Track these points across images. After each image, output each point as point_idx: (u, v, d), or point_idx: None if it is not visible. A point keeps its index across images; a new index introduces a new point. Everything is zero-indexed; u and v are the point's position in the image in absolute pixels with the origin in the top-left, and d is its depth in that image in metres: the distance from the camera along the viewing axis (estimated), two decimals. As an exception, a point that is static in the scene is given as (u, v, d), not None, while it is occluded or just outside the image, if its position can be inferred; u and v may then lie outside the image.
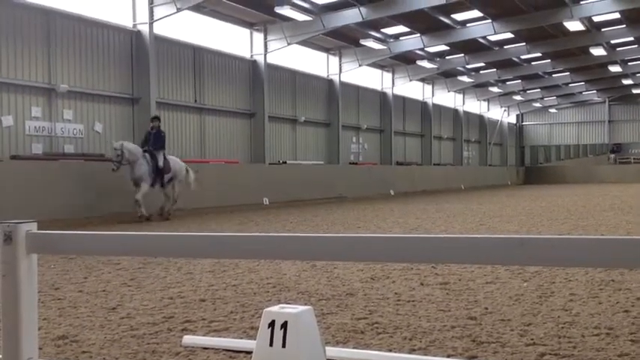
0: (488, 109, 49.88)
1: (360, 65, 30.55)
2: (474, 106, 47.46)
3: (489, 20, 28.21)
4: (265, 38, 25.18)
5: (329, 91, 30.57)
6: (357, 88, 33.14)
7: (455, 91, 42.75)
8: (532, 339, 4.66)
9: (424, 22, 27.70)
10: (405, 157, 37.94)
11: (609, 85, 47.17)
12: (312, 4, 24.02)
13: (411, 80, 35.77)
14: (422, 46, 30.21)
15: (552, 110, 55.08)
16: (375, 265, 8.02)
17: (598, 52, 34.03)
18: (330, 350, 4.18)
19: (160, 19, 20.12)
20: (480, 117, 49.37)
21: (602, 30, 31.71)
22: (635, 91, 49.35)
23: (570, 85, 46.29)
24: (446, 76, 38.77)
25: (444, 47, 32.36)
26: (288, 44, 25.26)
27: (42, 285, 6.81)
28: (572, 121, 55.30)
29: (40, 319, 4.09)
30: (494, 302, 5.91)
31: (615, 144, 55.37)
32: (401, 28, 28.54)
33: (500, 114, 51.78)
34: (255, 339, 4.06)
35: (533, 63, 38.86)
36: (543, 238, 2.29)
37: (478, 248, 2.38)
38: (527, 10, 27.22)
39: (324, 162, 29.97)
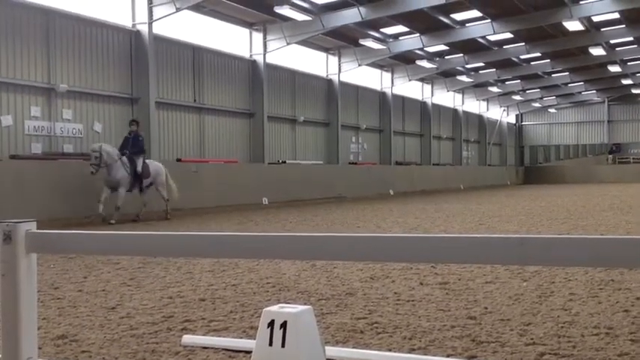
0: (488, 109, 49.89)
1: (359, 65, 30.55)
2: (473, 105, 47.46)
3: (489, 20, 28.21)
4: (265, 38, 25.18)
5: (328, 90, 30.57)
6: (356, 88, 33.14)
7: (454, 91, 42.75)
8: (532, 338, 4.66)
9: (423, 22, 27.70)
10: (405, 157, 37.94)
11: (609, 85, 47.18)
12: (312, 3, 24.02)
13: (410, 80, 35.77)
14: (421, 46, 30.21)
15: (552, 110, 55.08)
16: (374, 265, 8.02)
17: (597, 52, 34.04)
18: (330, 350, 4.18)
19: (160, 18, 20.11)
20: (480, 117, 49.38)
21: (602, 30, 31.71)
22: (634, 91, 49.36)
23: (570, 85, 46.30)
24: (445, 75, 38.77)
25: (443, 47, 32.36)
26: (288, 44, 25.25)
27: (41, 284, 6.81)
28: (572, 121, 55.31)
29: (39, 318, 4.10)
30: (493, 302, 5.91)
31: (615, 144, 55.39)
32: (400, 28, 28.53)
33: (499, 114, 51.79)
34: (254, 338, 4.06)
35: (532, 63, 38.86)
36: (543, 237, 2.29)
37: (477, 248, 2.38)
38: (526, 10, 27.22)
39: (323, 162, 29.97)
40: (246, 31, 25.21)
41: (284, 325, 3.78)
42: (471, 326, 5.03)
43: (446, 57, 34.20)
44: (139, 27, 20.08)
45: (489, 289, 6.56)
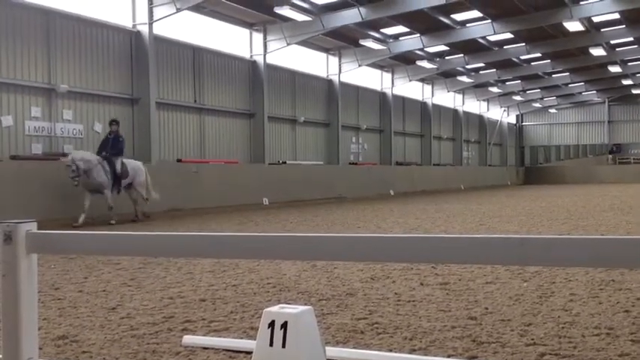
0: (488, 110, 49.89)
1: (359, 65, 30.54)
2: (473, 106, 47.46)
3: (489, 20, 28.21)
4: (265, 38, 25.18)
5: (328, 91, 30.57)
6: (356, 89, 33.14)
7: (454, 92, 42.74)
8: (532, 339, 4.66)
9: (424, 23, 27.70)
10: (405, 158, 37.94)
11: (609, 85, 47.17)
12: (312, 4, 24.02)
13: (410, 80, 35.76)
14: (421, 47, 30.20)
15: (552, 110, 55.08)
16: (375, 265, 8.02)
17: (598, 52, 34.03)
18: (330, 350, 4.18)
19: (160, 19, 20.12)
20: (480, 117, 49.38)
21: (602, 30, 31.70)
22: (634, 91, 49.35)
23: (570, 85, 46.29)
24: (445, 76, 38.76)
25: (443, 47, 32.35)
26: (288, 44, 25.26)
27: (42, 285, 6.81)
28: (572, 122, 55.30)
29: (40, 319, 4.10)
30: (494, 302, 5.91)
31: (615, 144, 55.38)
32: (400, 29, 28.53)
33: (499, 114, 51.78)
34: (255, 339, 4.06)
35: (532, 63, 38.85)
36: (543, 238, 2.29)
37: (478, 248, 2.38)
38: (526, 10, 27.22)
39: (323, 162, 29.97)
40: (246, 31, 25.21)
41: (284, 326, 3.78)
42: (472, 327, 5.03)
43: (446, 57, 34.20)
44: (139, 27, 20.08)
45: (490, 289, 6.56)
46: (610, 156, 55.80)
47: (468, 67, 37.12)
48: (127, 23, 20.11)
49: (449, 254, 2.47)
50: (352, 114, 32.75)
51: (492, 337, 4.73)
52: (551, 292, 6.38)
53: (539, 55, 36.07)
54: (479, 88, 43.84)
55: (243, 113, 25.18)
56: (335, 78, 30.58)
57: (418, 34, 29.19)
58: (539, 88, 46.44)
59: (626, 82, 45.07)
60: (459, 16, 27.86)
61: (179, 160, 21.70)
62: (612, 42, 34.05)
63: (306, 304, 5.04)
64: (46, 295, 6.51)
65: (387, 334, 4.86)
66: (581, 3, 26.79)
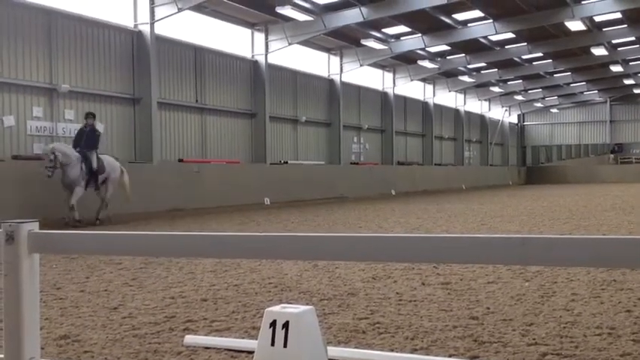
0: (490, 109, 49.86)
1: (361, 65, 30.53)
2: (475, 106, 47.43)
3: (490, 20, 28.19)
4: (266, 38, 25.18)
5: (330, 91, 30.56)
6: (358, 88, 33.13)
7: (456, 91, 42.72)
8: (534, 339, 4.65)
9: (425, 22, 27.68)
10: (406, 157, 37.93)
11: (611, 85, 47.13)
12: (313, 4, 24.02)
13: (412, 80, 35.75)
14: (423, 46, 30.19)
15: (554, 110, 55.03)
16: (376, 265, 8.02)
17: (599, 52, 34.00)
18: (332, 350, 4.18)
19: (161, 19, 20.12)
20: (482, 117, 49.35)
21: (604, 30, 31.67)
22: (636, 91, 49.29)
23: (572, 85, 46.25)
24: (447, 76, 38.74)
25: (445, 47, 32.33)
26: (289, 44, 25.25)
27: (44, 285, 6.82)
28: (574, 121, 55.25)
29: (42, 318, 4.10)
30: (495, 302, 5.91)
31: (617, 144, 55.31)
32: (402, 28, 28.52)
33: (501, 114, 51.75)
34: (256, 339, 4.06)
35: (534, 63, 38.82)
36: (545, 237, 2.29)
37: (480, 248, 2.39)
38: (528, 10, 27.20)
39: (325, 162, 29.96)
40: (247, 31, 25.21)
41: (286, 326, 3.79)
42: (473, 326, 5.03)
43: (448, 57, 34.18)
44: (140, 27, 20.08)
45: (491, 289, 6.56)
46: (612, 156, 55.72)
47: (470, 66, 37.10)
48: (129, 23, 20.12)
49: (450, 254, 2.48)
50: (354, 114, 32.74)
51: (494, 336, 4.73)
52: (552, 291, 6.37)
53: (540, 54, 36.05)
54: (480, 87, 43.81)
55: (245, 113, 25.19)
56: (336, 78, 30.57)
57: (420, 34, 29.18)
58: (541, 87, 46.40)
59: (628, 81, 45.02)
60: (460, 16, 27.85)
61: (181, 160, 21.71)
62: (614, 42, 34.02)
63: (307, 304, 5.04)
64: (47, 295, 6.51)
65: (388, 334, 4.86)
66: (583, 2, 26.77)
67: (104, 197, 16.24)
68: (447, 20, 27.85)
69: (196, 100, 22.87)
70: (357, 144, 33.29)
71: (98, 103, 19.20)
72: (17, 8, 16.95)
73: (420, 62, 33.45)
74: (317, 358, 3.83)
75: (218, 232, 3.70)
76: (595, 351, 4.37)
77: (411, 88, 37.93)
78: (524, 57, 36.42)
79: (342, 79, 30.77)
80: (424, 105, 40.26)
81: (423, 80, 38.58)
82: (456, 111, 44.79)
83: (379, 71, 34.90)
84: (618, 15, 28.75)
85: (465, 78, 39.14)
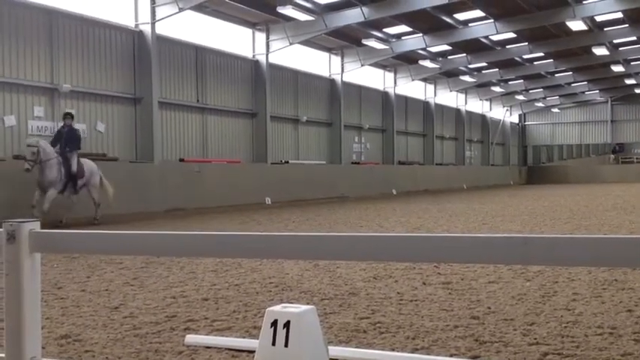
0: (491, 109, 49.84)
1: (362, 65, 30.53)
2: (476, 105, 47.42)
3: (491, 20, 28.18)
4: (267, 38, 25.18)
5: (331, 90, 30.56)
6: (359, 88, 33.13)
7: (457, 91, 42.71)
8: (535, 338, 4.65)
9: (426, 22, 27.68)
10: (407, 157, 37.92)
11: (612, 84, 47.10)
12: (314, 3, 24.02)
13: (413, 80, 35.74)
14: (424, 46, 30.19)
15: (555, 110, 54.99)
16: (377, 265, 8.02)
17: (600, 51, 33.98)
18: (333, 349, 4.18)
19: (162, 18, 20.13)
20: (483, 117, 49.33)
21: (605, 30, 31.66)
22: (637, 90, 49.25)
23: (573, 84, 46.23)
24: (448, 75, 38.73)
25: (446, 47, 32.33)
26: (291, 44, 25.25)
27: (45, 284, 6.82)
28: (575, 121, 55.22)
29: (43, 318, 4.10)
30: (496, 302, 5.91)
31: (618, 144, 55.27)
32: (403, 28, 28.52)
33: (502, 114, 51.73)
34: (257, 338, 4.06)
35: (535, 63, 38.80)
36: (546, 237, 2.29)
37: (481, 247, 2.38)
38: (529, 9, 27.19)
39: (326, 162, 29.96)
40: (248, 31, 25.22)
41: (287, 325, 3.78)
42: (474, 326, 5.03)
43: (449, 57, 34.17)
44: (141, 27, 20.09)
45: (492, 288, 6.55)
46: (613, 155, 55.67)
47: (471, 66, 37.09)
48: (130, 23, 20.13)
49: (451, 253, 2.47)
50: (355, 113, 32.74)
51: (495, 336, 4.73)
52: (553, 291, 6.37)
53: (541, 54, 36.03)
54: (481, 87, 43.80)
55: (246, 113, 25.19)
56: (337, 77, 30.57)
57: (421, 34, 29.18)
58: (542, 87, 46.38)
59: (629, 81, 45.00)
60: (461, 16, 27.84)
61: (182, 160, 21.72)
62: (615, 41, 33.99)
63: (308, 304, 5.04)
64: (48, 295, 6.52)
65: (389, 334, 4.86)
66: (584, 2, 26.75)
67: (94, 201, 15.80)
68: (448, 20, 27.84)
69: (197, 100, 22.87)
70: (358, 144, 33.29)
71: (99, 102, 19.22)
72: (18, 8, 16.96)
73: (421, 62, 33.45)
74: (318, 357, 3.83)
75: (219, 232, 3.74)
76: (596, 351, 4.36)
77: (412, 87, 37.92)
78: (525, 57, 36.40)
79: (343, 79, 30.77)
80: (425, 105, 40.26)
81: (424, 80, 38.57)
82: (457, 111, 44.78)
83: (380, 71, 34.90)
84: (619, 15, 28.73)
85: (466, 78, 39.13)
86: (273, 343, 3.80)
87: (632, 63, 40.07)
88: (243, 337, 4.79)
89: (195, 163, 21.73)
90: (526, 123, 57.31)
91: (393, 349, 4.46)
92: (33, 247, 2.91)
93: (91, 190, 15.78)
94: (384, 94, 35.45)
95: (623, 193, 28.83)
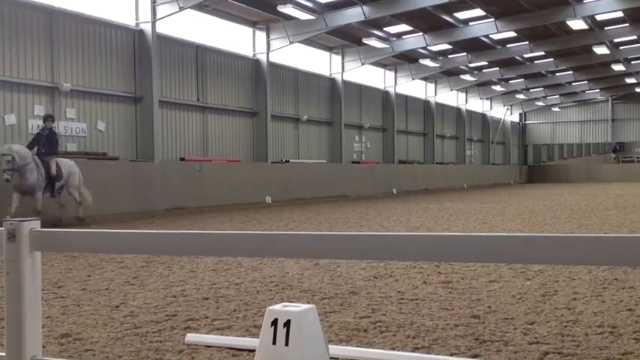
0: (491, 108, 49.82)
1: (362, 64, 30.52)
2: (476, 104, 47.39)
3: (492, 19, 28.16)
4: (268, 37, 25.17)
5: (331, 89, 30.55)
6: (359, 87, 33.12)
7: (457, 90, 42.68)
8: (535, 337, 4.65)
9: (427, 21, 27.66)
10: (408, 156, 37.92)
11: (612, 83, 47.06)
12: (315, 2, 24.01)
13: (413, 79, 35.73)
14: (424, 45, 30.17)
15: (555, 109, 54.96)
16: (377, 264, 8.02)
17: (601, 50, 33.95)
18: (333, 348, 4.18)
19: (163, 17, 20.12)
20: (483, 116, 49.32)
21: (605, 29, 31.63)
22: (638, 89, 49.20)
23: (573, 83, 46.20)
24: (448, 74, 38.72)
25: (446, 46, 32.32)
26: (291, 43, 25.24)
27: (45, 283, 6.82)
28: (575, 120, 55.20)
29: (43, 317, 4.10)
30: (497, 301, 5.91)
31: (618, 143, 55.25)
32: (403, 27, 28.50)
33: (503, 113, 51.71)
34: (258, 337, 4.06)
35: (536, 62, 38.78)
36: (547, 236, 2.29)
37: (481, 247, 2.38)
38: (530, 8, 27.17)
39: (326, 160, 29.96)
40: (249, 30, 25.21)
41: (287, 324, 3.78)
42: (475, 325, 5.03)
43: (449, 56, 34.15)
44: (142, 26, 20.08)
45: (493, 287, 6.55)
46: (613, 155, 55.65)
47: (471, 65, 37.07)
48: (130, 22, 20.12)
49: (452, 252, 2.47)
50: (355, 112, 32.73)
51: (495, 335, 4.73)
52: (554, 290, 6.37)
53: (542, 53, 36.01)
54: (482, 86, 43.78)
55: (246, 112, 25.19)
56: (338, 76, 30.56)
57: (421, 33, 29.16)
58: (543, 86, 46.36)
59: (630, 80, 44.96)
60: (461, 15, 27.83)
61: (182, 159, 21.72)
62: (616, 40, 33.96)
63: (309, 303, 5.04)
64: (49, 294, 6.52)
65: (389, 333, 4.86)
66: (585, 1, 26.73)
67: (76, 201, 15.30)
68: (449, 19, 27.83)
69: (198, 99, 22.87)
70: (359, 143, 33.29)
71: (99, 101, 19.22)
72: (19, 7, 16.96)
73: (422, 61, 33.44)
74: (318, 356, 3.83)
75: (219, 231, 3.71)
76: (596, 350, 4.36)
77: (412, 86, 37.90)
78: (525, 56, 36.37)
79: (344, 78, 30.76)
80: (425, 104, 40.24)
81: (425, 79, 38.55)
82: (458, 110, 44.76)
83: (381, 70, 34.88)
84: (620, 14, 28.71)
85: (467, 77, 39.11)
86: (274, 342, 3.80)
87: (632, 62, 40.03)
88: (244, 336, 4.79)
89: (196, 162, 21.73)
90: (526, 122, 57.28)
91: (393, 348, 4.46)
92: (33, 245, 2.91)
93: (71, 191, 15.27)
94: (385, 93, 35.44)
95: (624, 192, 28.82)
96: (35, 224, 2.96)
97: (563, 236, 2.27)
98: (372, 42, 28.41)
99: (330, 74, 30.53)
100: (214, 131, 23.70)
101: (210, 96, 23.44)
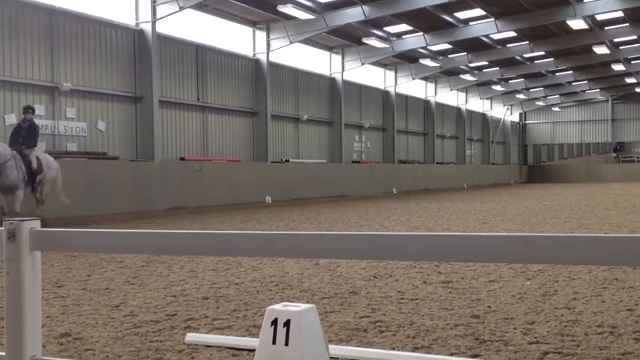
0: (491, 108, 49.82)
1: (362, 64, 30.51)
2: (476, 104, 47.39)
3: (492, 19, 28.16)
4: (268, 37, 25.17)
5: (331, 89, 30.55)
6: (359, 87, 33.11)
7: (457, 90, 42.68)
8: (535, 337, 4.65)
9: (427, 21, 27.66)
10: (408, 156, 37.91)
11: (612, 83, 47.07)
12: (315, 2, 24.01)
13: (413, 79, 35.72)
14: (424, 45, 30.17)
15: (555, 109, 54.95)
16: (377, 264, 8.02)
17: (601, 50, 33.95)
18: (333, 348, 4.18)
19: (163, 17, 20.12)
20: (483, 115, 49.31)
21: (606, 28, 31.63)
22: (638, 89, 49.20)
23: (573, 83, 46.20)
24: (449, 74, 38.71)
25: (446, 46, 32.31)
26: (291, 43, 25.24)
27: (45, 283, 6.82)
28: (575, 120, 55.20)
29: (43, 316, 4.10)
30: (497, 301, 5.91)
31: (618, 143, 55.26)
32: (403, 27, 28.50)
33: (503, 112, 51.71)
34: (258, 337, 4.06)
35: (536, 61, 38.78)
36: (547, 236, 2.29)
37: (481, 246, 2.38)
38: (530, 8, 27.17)
39: (326, 160, 29.96)
40: (249, 29, 25.20)
41: (287, 324, 3.79)
42: (475, 325, 5.03)
43: (449, 55, 34.15)
44: (142, 26, 20.08)
45: (493, 287, 6.55)
46: (613, 154, 55.65)
47: (471, 65, 37.06)
48: (130, 21, 20.12)
49: (452, 252, 2.47)
50: (355, 112, 32.73)
51: (495, 335, 4.73)
52: (554, 290, 6.37)
53: (542, 53, 36.01)
54: (482, 86, 43.78)
55: (246, 111, 25.19)
56: (338, 76, 30.56)
57: (421, 33, 29.16)
58: (543, 86, 46.36)
59: (630, 80, 44.97)
60: (462, 14, 27.82)
61: (182, 159, 21.72)
62: (616, 40, 33.96)
63: (308, 302, 5.04)
64: (49, 293, 6.52)
65: (389, 332, 4.86)
66: (585, 1, 26.73)
67: (39, 198, 14.39)
68: (449, 19, 27.83)
69: (198, 99, 22.87)
70: (359, 142, 33.29)
71: (99, 101, 19.22)
72: (19, 6, 16.96)
73: (422, 61, 33.43)
74: (318, 356, 3.83)
75: (219, 231, 3.70)
76: (596, 349, 4.36)
77: (412, 86, 37.90)
78: (525, 55, 36.37)
79: (344, 78, 30.76)
80: (426, 103, 40.24)
81: (425, 79, 38.55)
82: (458, 109, 44.76)
83: (381, 70, 34.88)
84: (620, 14, 28.71)
85: (467, 76, 39.10)
86: (274, 342, 3.80)
87: (632, 62, 40.03)
88: (244, 336, 4.79)
89: (196, 161, 21.72)
90: (526, 122, 57.27)
91: (393, 348, 4.46)
92: (33, 245, 2.91)
93: (44, 185, 14.36)
94: (385, 93, 35.44)
95: (624, 192, 28.82)
96: (35, 224, 2.96)
97: (563, 236, 2.27)
98: (372, 42, 28.41)
99: (330, 74, 30.53)
100: (214, 131, 23.71)
101: (211, 96, 23.44)
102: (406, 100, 37.75)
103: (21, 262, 2.88)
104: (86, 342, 4.74)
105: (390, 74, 35.28)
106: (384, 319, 5.26)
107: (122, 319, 5.39)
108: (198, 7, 21.66)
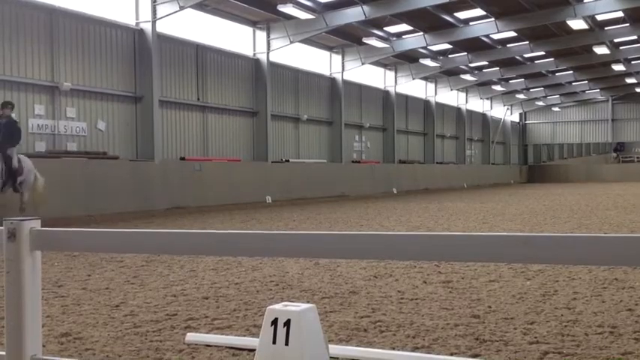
0: (491, 108, 49.81)
1: (362, 64, 30.51)
2: (476, 104, 47.39)
3: (492, 19, 28.16)
4: (268, 36, 25.17)
5: (332, 89, 30.55)
6: (359, 87, 33.11)
7: (458, 90, 42.68)
8: (535, 337, 4.65)
9: (427, 21, 27.66)
10: (408, 156, 37.92)
11: (612, 83, 47.05)
12: (315, 2, 24.01)
13: (413, 79, 35.72)
14: (425, 45, 30.16)
15: (555, 109, 54.94)
16: (378, 264, 8.02)
17: (601, 50, 33.94)
18: (333, 348, 4.19)
19: (163, 17, 20.11)
20: (483, 115, 49.31)
21: (606, 28, 31.63)
22: (638, 89, 49.19)
23: (573, 83, 46.19)
24: (449, 74, 38.71)
25: (446, 45, 32.30)
26: (291, 42, 25.24)
27: (45, 282, 6.82)
28: (576, 120, 55.19)
29: (43, 316, 4.11)
30: (497, 300, 5.91)
31: (619, 143, 55.26)
32: (404, 27, 28.49)
33: (503, 112, 51.70)
34: (258, 337, 4.06)
35: (536, 61, 38.77)
36: (547, 236, 2.29)
37: (481, 246, 2.38)
38: (530, 8, 27.17)
39: (326, 160, 29.96)
40: (249, 29, 25.20)
41: (287, 324, 3.79)
42: (475, 325, 5.03)
43: (449, 55, 34.14)
44: (142, 25, 20.08)
45: (493, 287, 6.55)
46: (613, 154, 55.65)
47: (471, 65, 37.05)
48: (130, 21, 20.12)
49: (452, 252, 2.47)
50: (355, 112, 32.73)
51: (495, 335, 4.73)
52: (554, 290, 6.37)
53: (542, 53, 36.01)
54: (482, 86, 43.78)
55: (247, 111, 25.19)
56: (338, 76, 30.56)
57: (421, 33, 29.15)
58: (543, 86, 46.35)
59: (630, 80, 44.96)
60: (462, 14, 27.82)
61: (182, 159, 21.72)
62: (616, 40, 33.95)
63: (309, 302, 5.04)
64: (49, 293, 6.52)
65: (389, 332, 4.86)
66: (585, 1, 26.73)
67: (21, 205, 13.69)
68: (449, 19, 27.82)
69: (198, 99, 22.86)
70: (359, 142, 33.28)
71: (100, 101, 19.22)
72: (19, 6, 16.95)
73: (422, 61, 33.43)
74: (318, 356, 3.83)
75: (219, 230, 3.70)
76: (596, 349, 4.36)
77: (412, 86, 37.90)
78: (525, 55, 36.36)
79: (344, 78, 30.75)
80: (426, 103, 40.24)
81: (425, 79, 38.55)
82: (458, 109, 44.76)
83: (381, 70, 34.88)
84: (620, 14, 28.71)
85: (467, 76, 39.10)
86: (274, 342, 3.80)
87: (632, 62, 40.02)
88: (244, 336, 4.79)
89: (196, 161, 21.72)
90: (527, 122, 57.26)
91: (393, 348, 4.46)
92: (33, 245, 2.92)
93: (24, 191, 13.78)
94: (385, 93, 35.44)
95: (624, 192, 28.82)
96: (35, 223, 2.96)
97: (563, 236, 2.27)
98: (373, 42, 28.40)
99: (331, 74, 30.53)
100: (214, 131, 23.71)
101: (211, 95, 23.43)
102: (406, 100, 37.75)
103: (21, 261, 2.88)
104: (86, 341, 4.74)
105: (390, 74, 35.28)
106: (384, 318, 5.27)
107: (122, 319, 5.40)
108: (199, 6, 21.66)
